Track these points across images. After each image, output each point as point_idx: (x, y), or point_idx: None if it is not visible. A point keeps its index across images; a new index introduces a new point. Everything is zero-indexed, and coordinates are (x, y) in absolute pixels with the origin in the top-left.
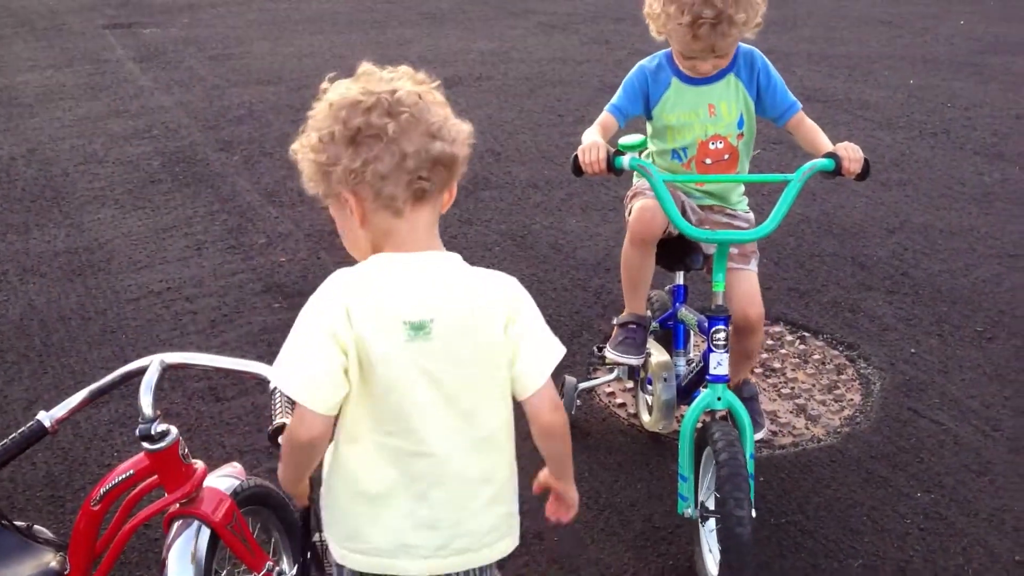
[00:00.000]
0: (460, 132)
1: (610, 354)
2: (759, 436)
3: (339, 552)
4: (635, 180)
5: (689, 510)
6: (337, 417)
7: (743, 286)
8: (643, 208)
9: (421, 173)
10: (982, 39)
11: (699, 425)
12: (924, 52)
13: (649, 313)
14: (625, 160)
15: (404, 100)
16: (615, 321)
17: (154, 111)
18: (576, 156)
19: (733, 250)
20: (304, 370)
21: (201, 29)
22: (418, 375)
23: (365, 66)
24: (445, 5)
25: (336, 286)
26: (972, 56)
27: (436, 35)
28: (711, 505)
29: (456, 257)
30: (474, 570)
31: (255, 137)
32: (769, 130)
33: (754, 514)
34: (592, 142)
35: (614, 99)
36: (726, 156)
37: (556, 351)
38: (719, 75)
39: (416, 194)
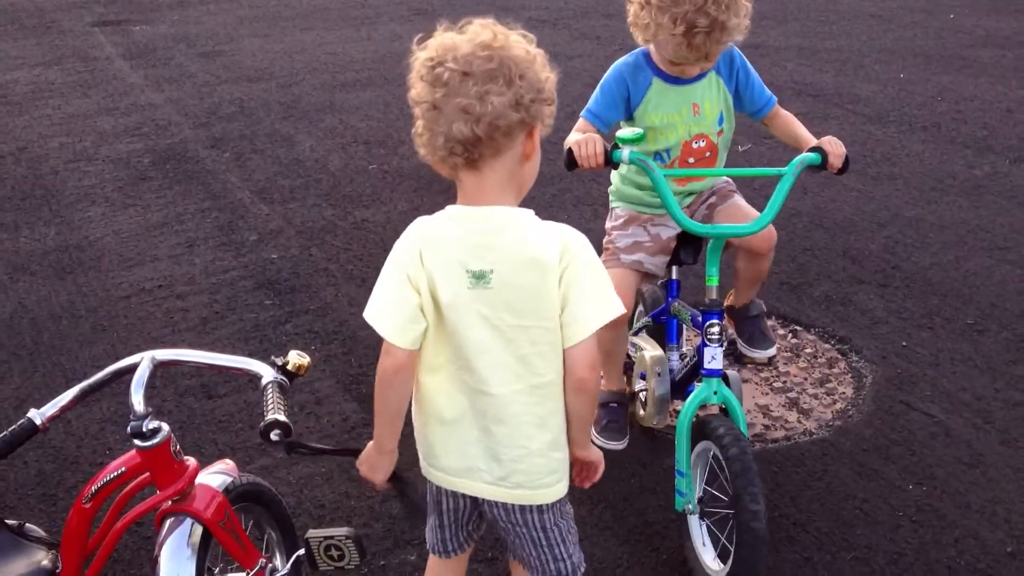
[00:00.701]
0: (495, 106)
1: (596, 439)
2: (772, 352)
3: (424, 467)
4: (612, 202)
5: (689, 505)
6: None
7: (741, 209)
8: (616, 286)
9: (453, 148)
10: (972, 33)
11: (695, 420)
12: (914, 46)
13: (628, 391)
14: (624, 153)
15: (445, 73)
16: (598, 398)
17: (144, 108)
18: (570, 150)
19: (712, 197)
20: (385, 307)
21: (191, 26)
22: (479, 320)
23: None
24: (437, 1)
25: (414, 231)
26: (962, 50)
27: (427, 30)
28: (704, 498)
29: (525, 212)
30: (534, 507)
31: (246, 134)
32: (760, 125)
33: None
34: (588, 136)
35: (591, 104)
36: (707, 154)
37: (608, 309)
38: (702, 74)
39: (464, 162)
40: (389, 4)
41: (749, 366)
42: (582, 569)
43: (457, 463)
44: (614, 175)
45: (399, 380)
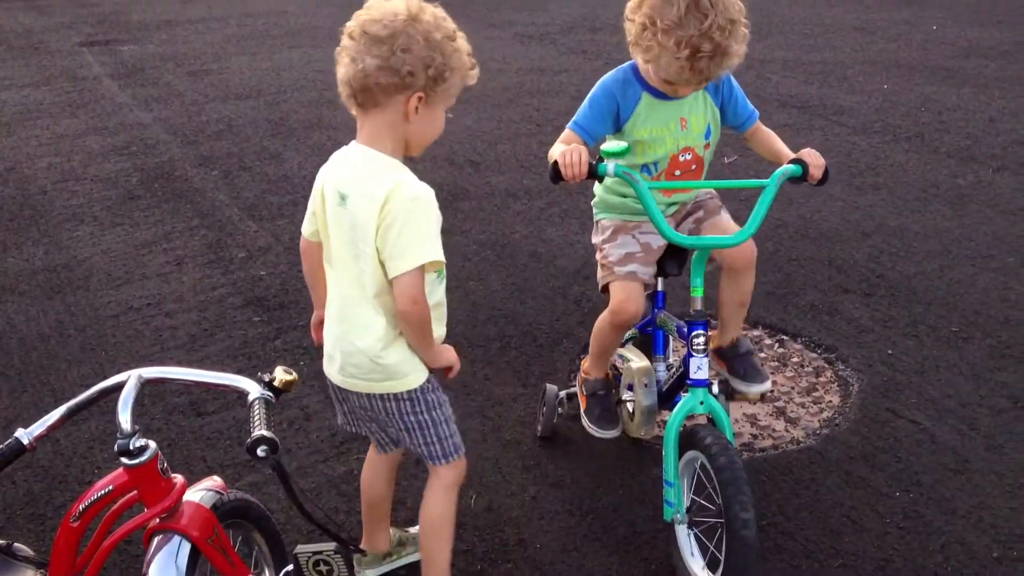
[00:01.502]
0: (367, 65)
1: (591, 430)
2: (767, 387)
3: None
4: (597, 215)
5: (678, 515)
6: None
7: (724, 225)
8: (626, 299)
9: (343, 91)
10: (955, 44)
11: (682, 430)
12: (897, 57)
13: (614, 376)
14: (609, 167)
15: (355, 26)
16: (583, 389)
17: (132, 127)
18: (555, 163)
19: (700, 212)
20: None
21: (179, 45)
22: (339, 232)
23: None
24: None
25: (331, 157)
26: (945, 61)
27: None
28: (692, 508)
29: (385, 158)
30: (384, 396)
31: (234, 152)
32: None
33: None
34: (573, 148)
35: (578, 117)
36: (693, 166)
37: (413, 257)
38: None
39: (355, 104)
40: None
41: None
42: (454, 456)
43: (327, 351)
44: (599, 187)
45: (305, 257)
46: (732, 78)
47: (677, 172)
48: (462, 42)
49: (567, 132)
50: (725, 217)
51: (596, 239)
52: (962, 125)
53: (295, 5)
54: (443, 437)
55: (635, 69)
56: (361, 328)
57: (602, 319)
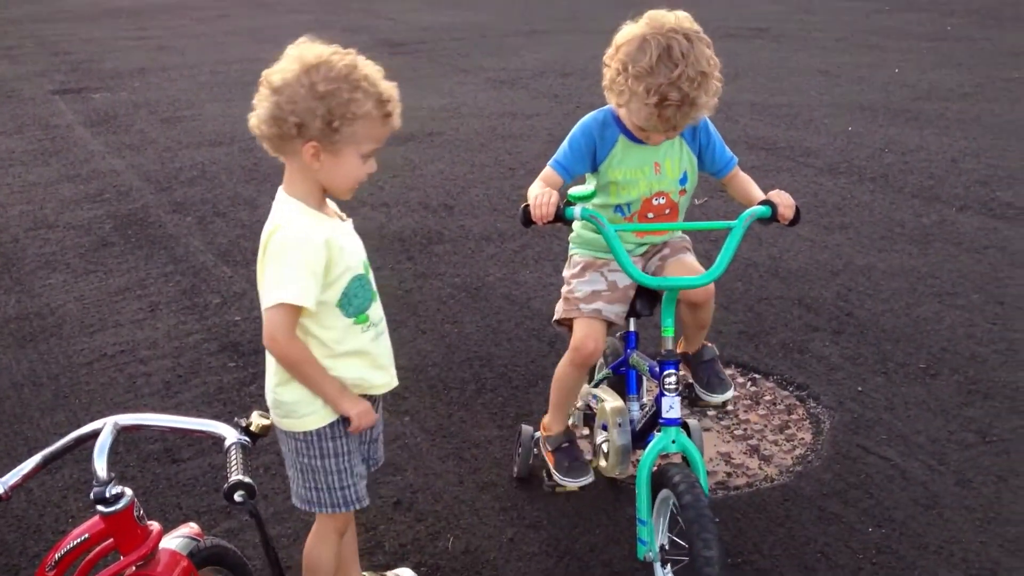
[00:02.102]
0: (261, 112)
1: (564, 482)
2: (729, 395)
3: None
4: (572, 249)
5: (650, 554)
6: None
7: (686, 264)
8: (586, 336)
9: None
10: (916, 86)
11: (655, 469)
12: (861, 100)
13: (575, 429)
14: (576, 210)
15: (263, 75)
16: (548, 447)
17: (105, 174)
18: (526, 207)
19: (666, 250)
20: None
21: (152, 92)
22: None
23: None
24: (395, 63)
25: None
26: (907, 103)
27: None
28: (667, 546)
29: (287, 200)
30: (279, 432)
31: (208, 198)
32: (714, 180)
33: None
34: (544, 191)
35: (558, 155)
36: (667, 211)
37: (272, 294)
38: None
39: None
40: None
41: (710, 414)
42: (339, 509)
43: None
44: (577, 223)
45: None
46: (711, 125)
47: (650, 215)
48: (371, 88)
49: (547, 170)
50: (689, 257)
51: (566, 272)
52: (925, 165)
53: (268, 52)
54: (331, 487)
55: (614, 113)
56: (267, 363)
57: (562, 363)
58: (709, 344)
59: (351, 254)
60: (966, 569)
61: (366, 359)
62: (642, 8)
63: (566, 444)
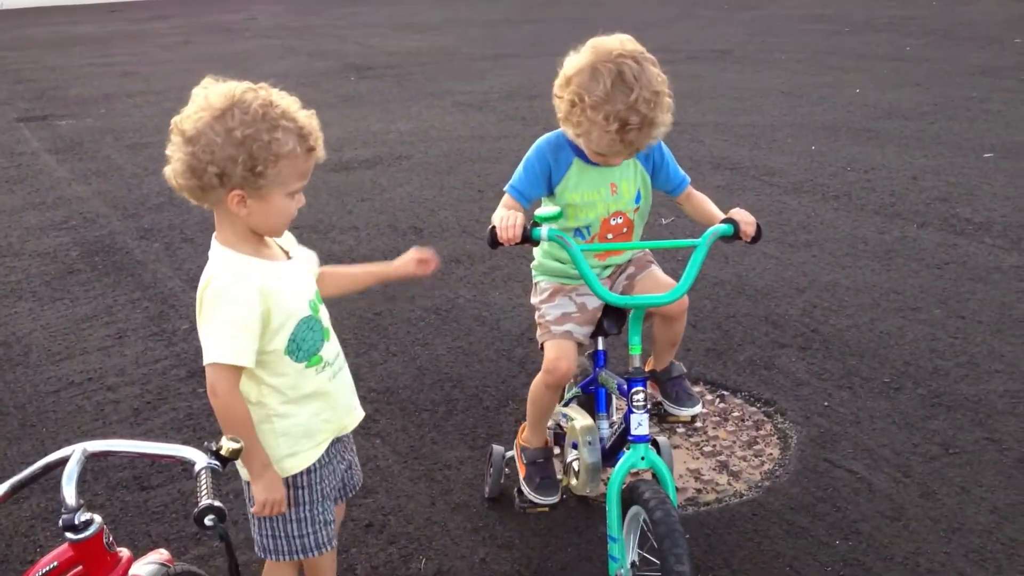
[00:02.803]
0: (177, 165)
1: (533, 497)
2: (697, 409)
3: None
4: (535, 276)
5: (622, 571)
6: None
7: (657, 278)
8: (558, 357)
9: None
10: (877, 106)
11: (625, 485)
12: (824, 119)
13: (552, 444)
14: (543, 231)
15: (173, 122)
16: (523, 457)
17: (71, 202)
18: (493, 228)
19: (631, 268)
20: None
21: (117, 119)
22: None
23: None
24: (363, 87)
25: None
26: (868, 122)
27: (356, 117)
28: (638, 563)
29: (218, 249)
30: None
31: (175, 224)
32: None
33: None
34: (510, 213)
35: (514, 181)
36: (624, 229)
37: (206, 354)
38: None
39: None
40: (316, 92)
41: (679, 431)
42: (284, 558)
43: None
44: (538, 251)
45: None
46: (663, 145)
47: (610, 236)
48: (291, 124)
49: (505, 196)
50: (656, 271)
51: (534, 299)
52: (887, 183)
53: (234, 78)
54: (277, 535)
55: (565, 135)
56: None
57: (536, 382)
58: (676, 362)
59: (294, 296)
60: None
61: (326, 400)
62: (607, 31)
63: (541, 460)
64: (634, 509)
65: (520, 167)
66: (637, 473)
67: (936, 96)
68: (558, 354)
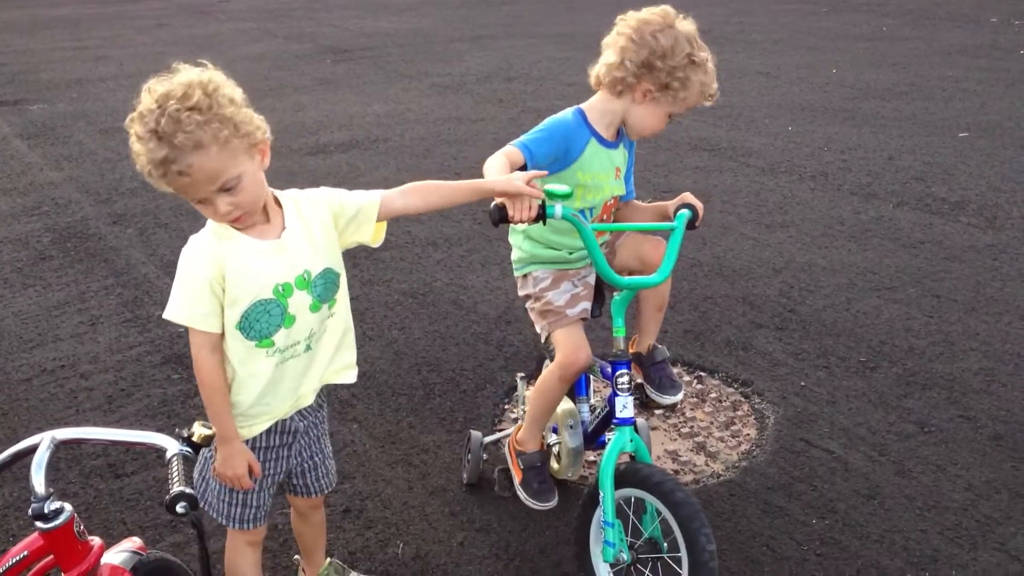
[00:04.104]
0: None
1: (531, 504)
2: (679, 397)
3: None
4: (521, 269)
5: (622, 555)
6: None
7: (637, 236)
8: (577, 348)
9: None
10: (854, 86)
11: (618, 469)
12: (801, 100)
13: (549, 448)
14: (558, 210)
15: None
16: (519, 462)
17: (43, 187)
18: (500, 206)
19: (607, 238)
20: None
21: (90, 103)
22: None
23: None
24: (339, 70)
25: None
26: (845, 102)
27: (332, 100)
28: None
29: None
30: None
31: (149, 209)
32: (658, 179)
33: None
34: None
35: (527, 139)
36: (614, 211)
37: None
38: (618, 143)
39: None
40: (293, 75)
41: (657, 413)
42: (227, 524)
43: None
44: (524, 242)
45: None
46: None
47: (604, 217)
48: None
49: (511, 148)
50: (632, 233)
51: (530, 290)
52: (863, 163)
53: (209, 59)
54: (221, 500)
55: (584, 115)
56: None
57: (549, 376)
58: (660, 345)
59: (257, 276)
60: (907, 557)
61: (266, 384)
62: (584, 13)
63: (539, 464)
64: (635, 492)
65: (539, 130)
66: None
67: (912, 76)
68: (576, 345)
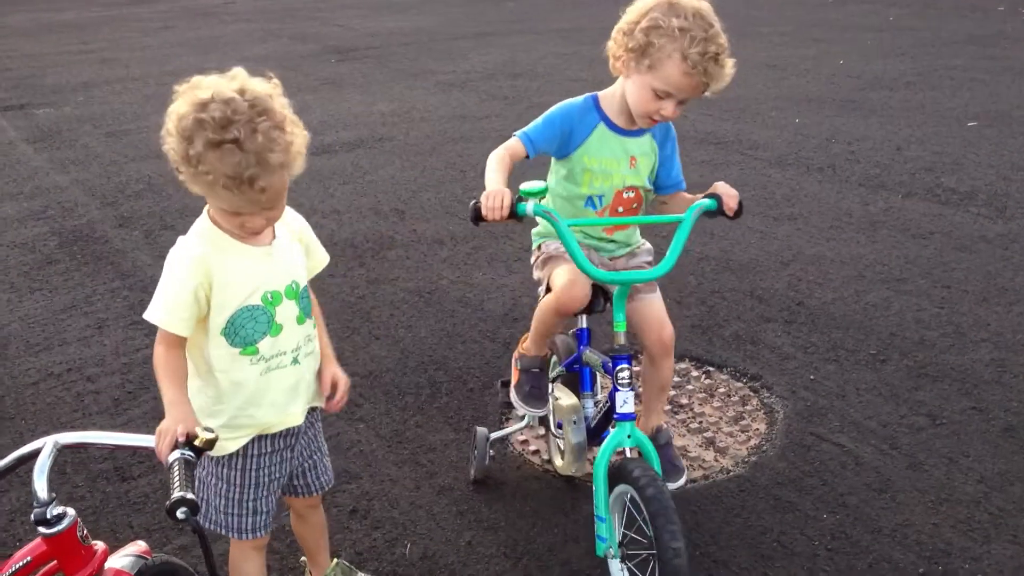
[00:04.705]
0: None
1: (519, 405)
2: (681, 483)
3: None
4: (537, 241)
5: (611, 550)
6: None
7: (653, 311)
8: (572, 283)
9: None
10: (861, 77)
11: (612, 464)
12: (807, 92)
13: (551, 355)
14: (529, 207)
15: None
16: (518, 364)
17: (49, 191)
18: (476, 204)
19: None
20: None
21: (96, 106)
22: None
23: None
24: (344, 70)
25: None
26: (852, 93)
27: (337, 99)
28: (626, 541)
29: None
30: None
31: (155, 211)
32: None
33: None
34: (495, 189)
35: (528, 129)
36: (635, 205)
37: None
38: (641, 131)
39: None
40: (298, 75)
41: (665, 409)
42: (221, 532)
43: None
44: (552, 199)
45: None
46: (677, 143)
47: (620, 209)
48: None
49: (513, 140)
50: (655, 301)
51: (537, 255)
52: (871, 154)
53: (214, 62)
54: (207, 501)
55: (596, 101)
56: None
57: (546, 301)
58: (665, 425)
59: (243, 282)
60: (919, 551)
61: (250, 393)
62: (588, 8)
63: (536, 370)
64: (621, 487)
65: (540, 119)
66: (623, 452)
67: (920, 66)
68: (572, 277)
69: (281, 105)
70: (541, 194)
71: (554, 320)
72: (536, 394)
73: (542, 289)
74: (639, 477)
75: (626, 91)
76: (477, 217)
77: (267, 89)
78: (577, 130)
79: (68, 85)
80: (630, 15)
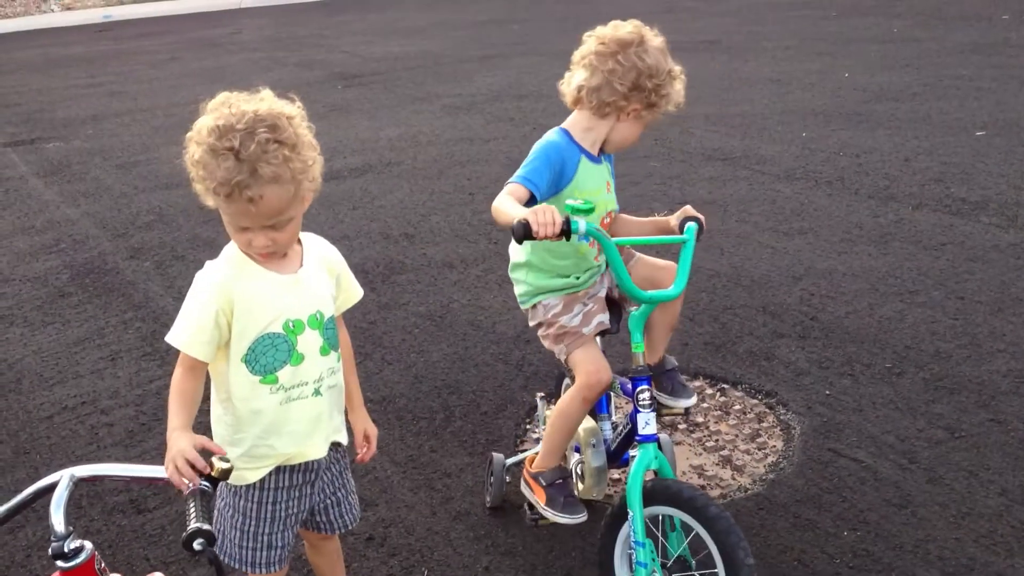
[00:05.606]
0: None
1: (558, 519)
2: (692, 401)
3: None
4: (529, 300)
5: (656, 574)
6: None
7: (650, 262)
8: (597, 369)
9: None
10: (867, 89)
11: (646, 487)
12: (813, 105)
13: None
14: (582, 225)
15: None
16: (541, 482)
17: (61, 224)
18: (524, 222)
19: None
20: None
21: (105, 139)
22: None
23: None
24: (351, 95)
25: None
26: (858, 106)
27: (344, 125)
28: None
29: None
30: None
31: (166, 241)
32: (673, 191)
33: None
34: (543, 205)
35: (528, 173)
36: (608, 228)
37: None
38: (601, 158)
39: None
40: (304, 102)
41: (681, 427)
42: (235, 565)
43: None
44: (528, 275)
45: None
46: None
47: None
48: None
49: (513, 186)
50: (644, 257)
51: (541, 318)
52: (879, 166)
53: (222, 90)
54: (224, 535)
55: (568, 134)
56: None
57: (571, 399)
58: (668, 355)
59: (266, 309)
60: (942, 567)
61: (269, 423)
62: (591, 27)
63: (560, 480)
64: (662, 510)
65: (535, 160)
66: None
67: (926, 76)
68: (597, 364)
69: (298, 127)
70: (590, 212)
71: (581, 413)
72: (572, 502)
73: (562, 359)
74: (694, 498)
75: (619, 132)
76: (526, 235)
77: (288, 110)
78: (567, 165)
79: (77, 118)
80: (632, 69)
